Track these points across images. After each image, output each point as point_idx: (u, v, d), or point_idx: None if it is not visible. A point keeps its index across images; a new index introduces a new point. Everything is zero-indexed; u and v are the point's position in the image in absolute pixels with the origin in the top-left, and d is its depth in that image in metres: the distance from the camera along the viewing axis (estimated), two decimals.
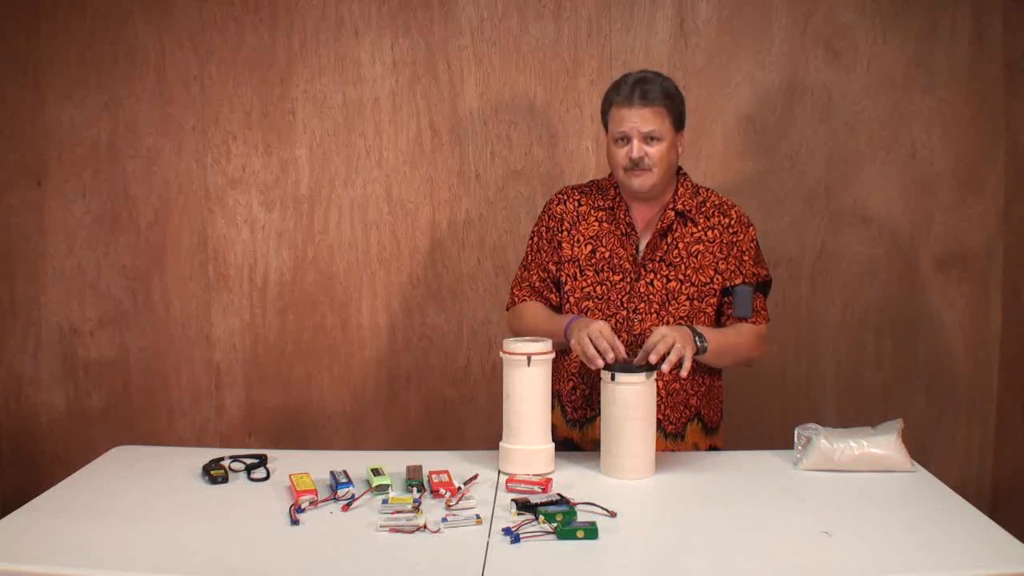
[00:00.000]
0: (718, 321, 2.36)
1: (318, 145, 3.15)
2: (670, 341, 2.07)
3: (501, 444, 2.10)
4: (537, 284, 2.40)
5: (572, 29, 3.08)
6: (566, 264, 2.35)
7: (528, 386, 2.07)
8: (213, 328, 3.22)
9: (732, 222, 2.34)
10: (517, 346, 2.08)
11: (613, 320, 2.29)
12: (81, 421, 3.24)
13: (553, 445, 2.10)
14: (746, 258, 2.34)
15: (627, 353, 2.14)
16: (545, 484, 1.95)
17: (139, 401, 3.24)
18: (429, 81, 3.11)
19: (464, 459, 2.16)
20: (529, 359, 2.06)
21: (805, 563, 1.63)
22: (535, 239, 2.43)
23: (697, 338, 2.16)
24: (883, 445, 2.07)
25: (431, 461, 2.07)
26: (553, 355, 2.11)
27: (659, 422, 2.25)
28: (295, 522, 1.80)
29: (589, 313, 2.31)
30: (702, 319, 2.31)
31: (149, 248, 3.20)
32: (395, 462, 2.05)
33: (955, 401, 3.17)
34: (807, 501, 1.92)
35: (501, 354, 2.10)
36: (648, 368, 2.05)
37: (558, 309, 2.39)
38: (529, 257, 2.44)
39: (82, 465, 2.17)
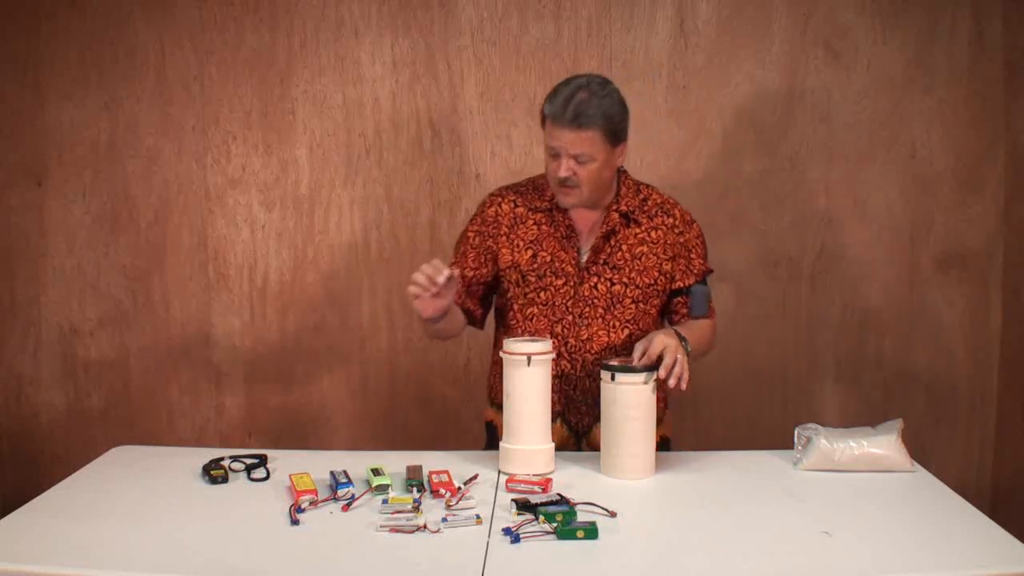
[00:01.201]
0: (661, 322, 2.35)
1: (318, 145, 3.15)
2: (674, 352, 2.05)
3: (501, 444, 2.10)
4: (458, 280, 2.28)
5: (572, 29, 3.08)
6: (507, 270, 2.29)
7: (528, 386, 2.07)
8: (213, 328, 3.22)
9: (676, 221, 2.30)
10: (517, 346, 2.08)
11: (560, 324, 2.26)
12: (81, 421, 3.24)
13: (553, 445, 2.10)
14: (694, 256, 2.32)
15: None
16: (545, 484, 1.95)
17: (139, 401, 3.24)
18: (429, 81, 3.11)
19: (464, 459, 2.16)
20: (529, 359, 2.06)
21: (805, 563, 1.63)
22: (463, 244, 2.34)
23: (683, 343, 2.12)
24: (883, 445, 2.07)
25: (431, 461, 2.07)
26: (553, 355, 2.11)
27: None
28: (295, 522, 1.79)
29: (534, 319, 2.27)
30: (646, 321, 2.29)
31: (149, 248, 3.20)
32: (395, 462, 2.05)
33: (955, 401, 3.17)
34: (807, 501, 1.92)
35: (501, 354, 2.10)
36: (648, 368, 2.05)
37: (472, 313, 2.34)
38: (456, 257, 2.36)
39: (82, 465, 2.16)
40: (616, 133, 2.17)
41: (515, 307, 2.29)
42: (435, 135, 3.13)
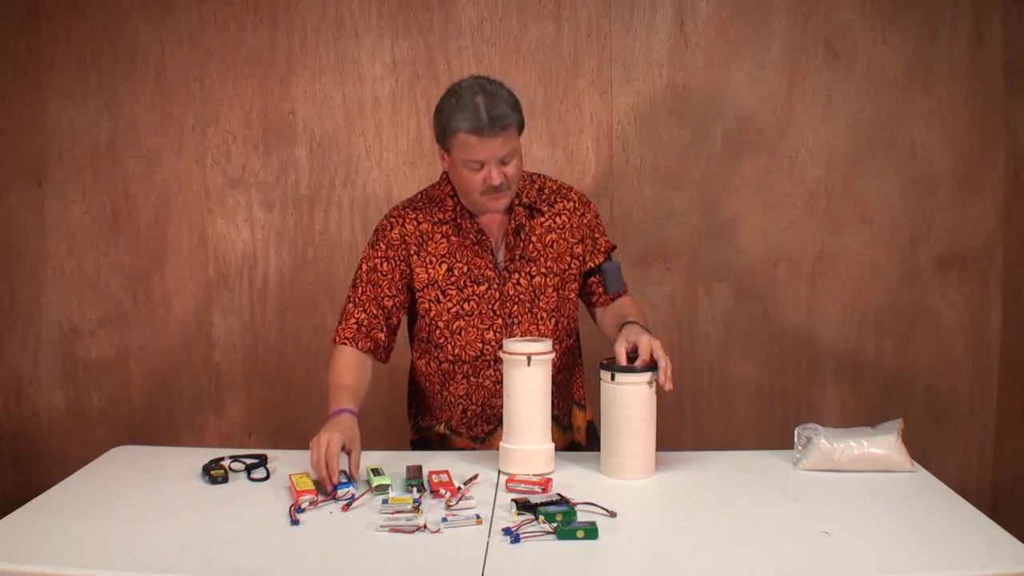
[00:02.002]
0: (579, 301, 2.38)
1: (318, 145, 3.15)
2: (663, 354, 2.04)
3: (501, 444, 2.10)
4: (364, 322, 2.24)
5: (572, 29, 3.08)
6: (425, 289, 2.25)
7: (528, 386, 2.07)
8: (213, 328, 3.22)
9: (576, 204, 2.32)
10: (517, 346, 2.07)
11: (490, 330, 2.25)
12: (81, 421, 3.24)
13: (553, 445, 2.10)
14: (597, 235, 2.34)
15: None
16: (545, 484, 1.95)
17: (139, 401, 3.24)
18: (429, 81, 3.11)
19: (464, 459, 2.16)
20: (529, 359, 2.05)
21: (805, 563, 1.63)
22: (367, 269, 2.26)
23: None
24: (883, 445, 2.07)
25: (431, 461, 2.07)
26: (553, 355, 2.11)
27: (557, 417, 2.30)
28: (295, 522, 1.79)
29: (463, 332, 2.25)
30: (568, 306, 2.32)
31: (149, 248, 3.20)
32: (395, 462, 2.05)
33: (955, 401, 3.17)
34: (807, 501, 1.91)
35: (501, 354, 2.10)
36: (648, 368, 2.05)
37: (387, 348, 2.28)
38: (359, 290, 2.26)
39: (82, 465, 2.16)
40: (522, 123, 2.17)
41: (440, 324, 2.26)
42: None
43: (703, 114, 3.09)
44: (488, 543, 1.70)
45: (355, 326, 2.25)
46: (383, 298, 2.26)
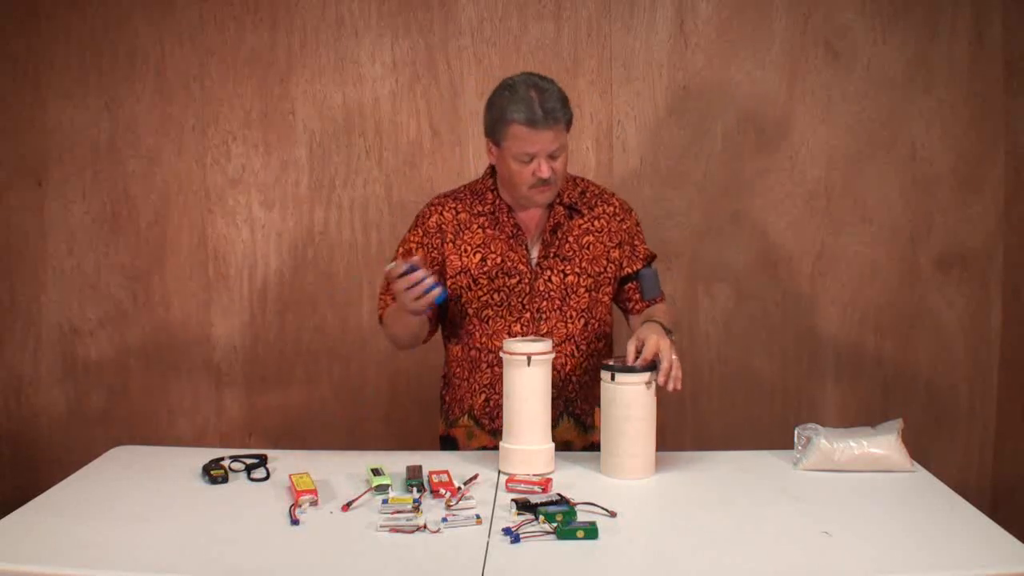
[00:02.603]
0: (613, 305, 2.39)
1: (318, 145, 3.15)
2: (669, 354, 2.06)
3: (501, 444, 2.10)
4: None
5: (572, 29, 3.08)
6: (457, 276, 2.30)
7: (528, 386, 2.07)
8: (213, 328, 3.22)
9: (616, 210, 2.35)
10: (517, 346, 2.07)
11: (518, 323, 2.28)
12: (81, 421, 3.24)
13: (553, 445, 2.10)
14: (637, 242, 2.37)
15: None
16: (545, 484, 1.95)
17: (139, 401, 3.24)
18: (429, 81, 3.11)
19: (464, 459, 2.16)
20: (529, 359, 2.05)
21: (805, 563, 1.63)
22: (403, 252, 2.34)
23: (670, 336, 2.13)
24: (883, 445, 2.07)
25: (431, 461, 2.07)
26: (553, 355, 2.11)
27: (578, 417, 2.32)
28: (295, 522, 1.79)
29: (491, 321, 2.29)
30: (600, 309, 2.33)
31: (149, 248, 3.20)
32: (395, 462, 2.05)
33: (955, 401, 3.17)
34: (807, 501, 1.91)
35: (501, 354, 2.10)
36: (648, 368, 2.05)
37: (433, 322, 2.35)
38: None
39: (82, 465, 2.16)
40: (571, 120, 2.23)
41: (470, 312, 2.31)
42: (435, 135, 3.13)
43: (703, 114, 3.09)
44: (488, 543, 1.70)
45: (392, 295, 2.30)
46: None
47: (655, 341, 2.07)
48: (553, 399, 2.25)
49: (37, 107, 3.15)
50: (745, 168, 3.11)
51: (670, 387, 2.05)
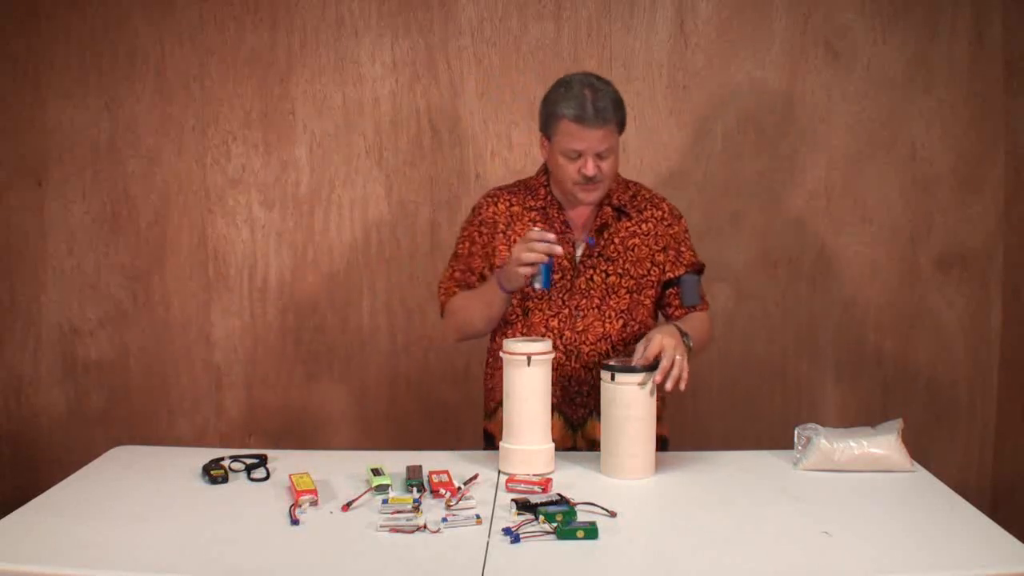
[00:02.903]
0: (656, 313, 2.39)
1: (318, 145, 3.15)
2: (672, 354, 2.06)
3: (501, 444, 2.10)
4: (466, 280, 2.35)
5: (572, 29, 3.08)
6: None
7: (528, 386, 2.07)
8: (213, 328, 3.22)
9: (665, 214, 2.36)
10: (517, 346, 2.07)
11: (556, 318, 2.29)
12: (81, 421, 3.24)
13: (553, 445, 2.10)
14: (683, 248, 2.37)
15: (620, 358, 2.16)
16: (545, 484, 1.95)
17: (139, 401, 3.24)
18: (429, 81, 3.11)
19: (464, 459, 2.16)
20: (529, 359, 2.05)
21: (805, 563, 1.63)
22: (465, 243, 2.37)
23: (685, 339, 2.13)
24: (883, 445, 2.07)
25: (431, 461, 2.07)
26: (553, 355, 2.10)
27: None
28: (295, 522, 1.79)
29: (530, 314, 2.30)
30: (641, 312, 2.33)
31: (149, 248, 3.20)
32: (395, 462, 2.05)
33: (955, 400, 3.17)
34: (807, 501, 1.92)
35: (501, 354, 2.10)
36: (648, 368, 2.05)
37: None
38: (459, 262, 2.38)
39: (82, 465, 2.16)
40: (623, 123, 2.24)
41: (512, 303, 2.31)
42: (435, 135, 3.13)
43: (703, 114, 3.09)
44: (488, 543, 1.70)
45: (454, 283, 2.36)
46: (477, 268, 2.35)
47: (659, 341, 2.07)
48: (584, 397, 2.26)
49: (37, 107, 3.15)
50: (745, 168, 3.11)
51: (668, 386, 2.05)
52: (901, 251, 3.13)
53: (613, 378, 2.05)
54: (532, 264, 2.08)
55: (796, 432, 2.15)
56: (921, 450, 2.22)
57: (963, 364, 3.16)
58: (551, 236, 2.09)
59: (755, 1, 3.06)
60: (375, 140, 3.14)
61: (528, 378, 2.06)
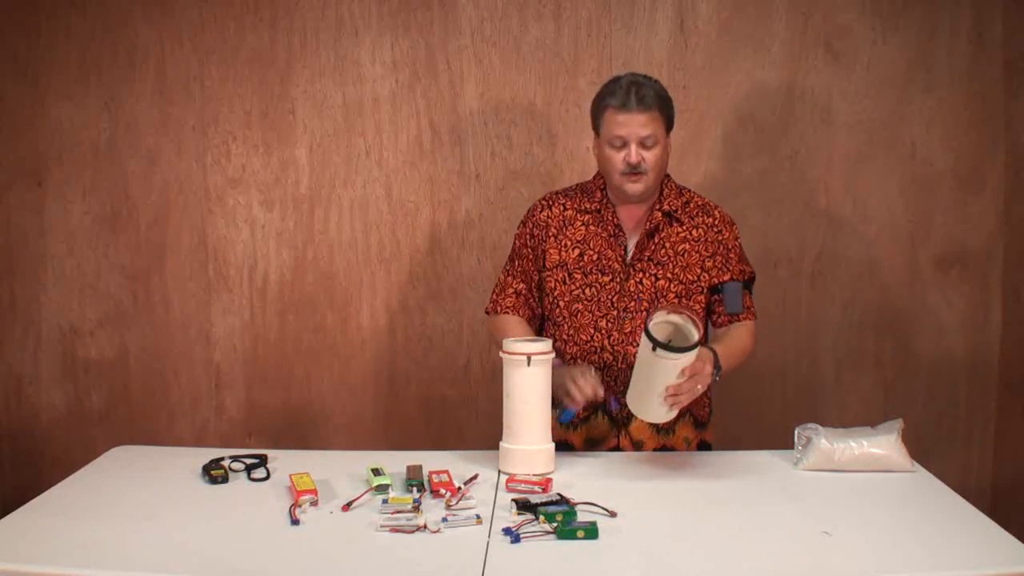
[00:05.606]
0: (707, 318, 2.39)
1: (318, 145, 3.15)
2: (693, 384, 2.04)
3: (501, 444, 2.10)
4: (523, 292, 2.41)
5: (572, 29, 3.08)
6: (554, 269, 2.35)
7: (528, 386, 2.07)
8: (213, 328, 3.22)
9: (716, 221, 2.38)
10: (517, 346, 2.08)
11: (605, 319, 2.31)
12: (81, 421, 3.24)
13: (553, 445, 2.11)
14: (732, 256, 2.38)
15: (605, 395, 2.22)
16: (545, 484, 1.95)
17: (139, 401, 3.24)
18: (429, 81, 3.11)
19: (464, 459, 2.16)
20: (529, 359, 2.06)
21: (805, 563, 1.64)
22: (519, 245, 2.43)
23: (716, 373, 2.13)
24: (883, 445, 2.07)
25: (431, 461, 2.07)
26: (553, 355, 2.11)
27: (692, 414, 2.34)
28: (295, 522, 1.80)
29: (579, 315, 2.32)
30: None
31: (149, 248, 3.20)
32: (395, 462, 2.05)
33: (955, 401, 3.17)
34: (807, 501, 1.92)
35: (501, 354, 2.10)
36: (685, 349, 2.01)
37: (540, 320, 2.42)
38: (515, 264, 2.44)
39: (82, 465, 2.17)
40: (670, 118, 2.30)
41: (561, 304, 2.34)
42: (435, 135, 3.13)
43: (703, 114, 3.09)
44: (488, 543, 1.70)
45: (514, 295, 2.42)
46: (531, 271, 2.40)
47: (692, 366, 2.04)
48: None
49: (37, 107, 3.15)
50: (745, 168, 3.11)
51: (673, 413, 2.07)
52: (901, 251, 3.13)
53: (654, 349, 2.01)
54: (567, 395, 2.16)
55: (796, 432, 2.16)
56: (921, 450, 2.22)
57: (963, 364, 3.16)
58: (601, 394, 2.17)
59: (755, 1, 3.06)
60: (375, 140, 3.14)
61: (528, 378, 2.06)
